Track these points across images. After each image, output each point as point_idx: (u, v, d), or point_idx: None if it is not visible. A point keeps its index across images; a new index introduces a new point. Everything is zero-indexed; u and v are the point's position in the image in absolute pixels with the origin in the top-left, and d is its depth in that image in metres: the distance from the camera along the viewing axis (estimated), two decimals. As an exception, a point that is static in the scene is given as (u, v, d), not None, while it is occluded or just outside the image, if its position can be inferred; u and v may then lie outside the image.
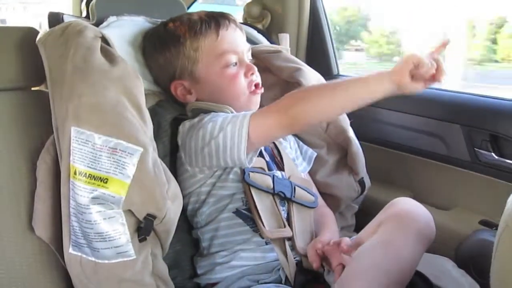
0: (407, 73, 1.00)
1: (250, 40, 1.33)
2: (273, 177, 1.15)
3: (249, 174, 1.12)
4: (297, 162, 1.31)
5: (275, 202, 1.13)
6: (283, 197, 1.15)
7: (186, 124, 1.15)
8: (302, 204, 1.18)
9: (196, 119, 1.14)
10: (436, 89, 1.46)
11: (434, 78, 1.01)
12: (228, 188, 1.14)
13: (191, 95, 1.21)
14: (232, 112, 1.16)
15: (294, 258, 1.10)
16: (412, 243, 0.94)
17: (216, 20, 1.20)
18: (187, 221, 1.19)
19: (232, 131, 1.05)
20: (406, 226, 0.96)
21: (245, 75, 1.20)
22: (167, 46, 1.19)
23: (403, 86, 1.01)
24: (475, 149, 1.32)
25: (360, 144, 1.36)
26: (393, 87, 1.01)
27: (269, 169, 1.19)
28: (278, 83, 1.34)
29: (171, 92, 1.22)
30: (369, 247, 0.95)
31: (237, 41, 1.22)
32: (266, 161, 1.20)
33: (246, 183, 1.11)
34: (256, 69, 1.22)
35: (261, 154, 1.20)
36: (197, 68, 1.18)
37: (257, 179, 1.13)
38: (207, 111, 1.16)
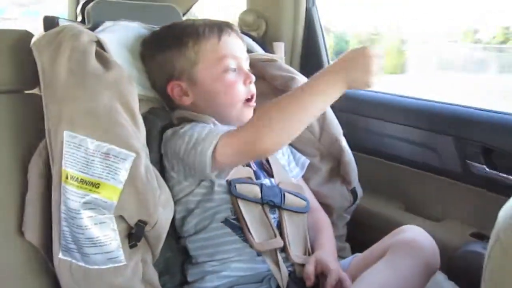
0: (373, 69, 0.98)
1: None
2: (261, 186, 1.15)
3: (235, 186, 1.11)
4: (290, 167, 1.31)
5: (265, 211, 1.13)
6: (273, 205, 1.14)
7: (169, 132, 1.15)
8: (293, 210, 1.17)
9: (178, 128, 1.13)
10: (429, 100, 1.46)
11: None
12: (215, 200, 1.13)
13: (187, 97, 1.20)
14: (214, 124, 1.15)
15: (287, 267, 1.09)
16: (419, 273, 0.96)
17: (219, 26, 1.20)
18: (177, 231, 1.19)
19: (200, 152, 1.03)
20: (414, 255, 0.98)
21: (244, 83, 1.20)
22: (169, 45, 1.19)
23: (358, 82, 0.99)
24: (467, 161, 1.32)
25: (353, 154, 1.37)
26: (347, 86, 0.99)
27: (257, 177, 1.18)
28: (272, 91, 1.34)
29: (167, 93, 1.21)
30: (376, 272, 0.96)
31: (237, 48, 1.22)
32: (254, 170, 1.19)
33: (233, 195, 1.11)
34: (254, 78, 1.22)
35: (248, 164, 1.19)
36: (196, 70, 1.18)
37: (244, 190, 1.12)
38: (191, 121, 1.16)
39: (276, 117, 1.00)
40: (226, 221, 1.12)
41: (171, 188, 1.12)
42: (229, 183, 1.11)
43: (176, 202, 1.13)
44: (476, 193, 1.33)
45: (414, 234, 1.04)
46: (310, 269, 1.06)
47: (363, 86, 1.01)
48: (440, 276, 1.13)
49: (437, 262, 1.01)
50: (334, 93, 1.01)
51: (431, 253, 1.01)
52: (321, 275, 1.07)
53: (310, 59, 1.77)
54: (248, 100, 1.20)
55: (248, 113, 1.21)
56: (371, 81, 0.99)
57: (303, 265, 1.10)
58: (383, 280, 0.93)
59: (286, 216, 1.15)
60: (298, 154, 1.36)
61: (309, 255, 1.14)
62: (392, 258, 0.98)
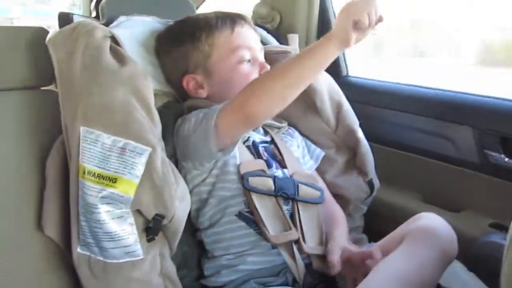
0: (351, 31, 0.97)
1: (260, 41, 1.33)
2: (274, 178, 1.14)
3: (248, 179, 1.11)
4: (304, 160, 1.31)
5: (278, 203, 1.12)
6: (286, 197, 1.14)
7: (179, 121, 1.15)
8: (307, 201, 1.17)
9: (186, 115, 1.14)
10: (446, 90, 1.45)
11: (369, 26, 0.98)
12: (228, 189, 1.12)
13: (202, 90, 1.21)
14: None
15: (303, 259, 1.09)
16: (435, 260, 0.95)
17: (232, 18, 1.21)
18: (193, 224, 1.19)
19: (205, 126, 1.05)
20: (431, 242, 0.97)
21: (259, 73, 1.20)
22: (183, 40, 1.20)
23: (345, 41, 0.98)
24: (485, 151, 1.31)
25: (370, 145, 1.36)
26: (340, 47, 0.99)
27: (269, 166, 1.18)
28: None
29: (183, 87, 1.22)
30: (392, 259, 0.95)
31: (251, 39, 1.22)
32: (265, 159, 1.19)
33: (246, 189, 1.11)
34: (269, 68, 1.22)
35: (259, 155, 1.19)
36: (211, 62, 1.18)
37: (257, 183, 1.11)
38: (200, 108, 1.15)
39: (266, 82, 1.02)
40: (240, 215, 1.11)
41: (183, 177, 1.13)
42: (242, 176, 1.11)
43: (190, 193, 1.13)
44: (495, 183, 1.31)
45: (431, 221, 1.03)
46: (335, 258, 1.06)
47: (345, 46, 1.00)
48: (458, 266, 1.12)
49: (454, 250, 1.00)
50: (326, 55, 1.00)
51: (448, 240, 0.99)
52: (345, 263, 1.06)
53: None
54: None
55: None
56: (352, 42, 0.98)
57: (319, 256, 1.11)
58: (399, 267, 0.93)
59: (300, 207, 1.15)
60: (313, 147, 1.35)
61: (325, 246, 1.14)
62: (408, 246, 0.97)
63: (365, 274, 0.98)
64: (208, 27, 1.19)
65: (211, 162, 1.11)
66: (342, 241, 1.14)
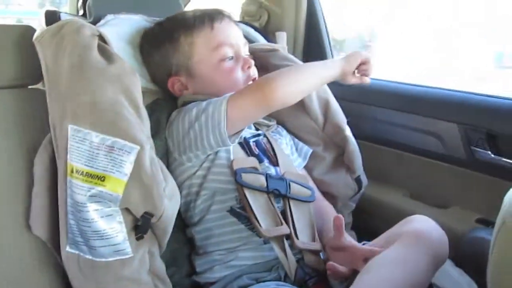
0: (354, 66, 1.21)
1: (247, 39, 1.33)
2: (267, 175, 1.15)
3: (241, 175, 1.11)
4: (293, 157, 1.31)
5: (270, 200, 1.13)
6: (278, 194, 1.15)
7: (174, 114, 1.16)
8: (299, 199, 1.17)
9: (183, 108, 1.15)
10: (432, 87, 1.46)
11: (362, 79, 1.25)
12: (220, 181, 1.13)
13: (187, 90, 1.21)
14: None
15: (295, 255, 1.10)
16: (427, 263, 0.94)
17: (210, 14, 1.21)
18: (183, 219, 1.19)
19: (212, 111, 1.08)
20: (423, 245, 0.96)
21: (242, 68, 1.21)
22: (162, 43, 1.20)
23: (346, 74, 1.21)
24: (472, 147, 1.32)
25: (357, 142, 1.37)
26: (340, 74, 1.20)
27: (260, 160, 1.19)
28: None
29: (169, 89, 1.22)
30: (383, 261, 0.95)
31: (232, 35, 1.23)
32: (256, 154, 1.20)
33: (239, 184, 1.11)
34: (253, 62, 1.23)
35: (250, 151, 1.20)
36: (192, 62, 1.19)
37: (250, 179, 1.12)
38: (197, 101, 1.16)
39: (286, 72, 1.12)
40: (231, 210, 1.12)
41: (173, 171, 1.14)
42: (235, 172, 1.12)
43: (180, 186, 1.13)
44: (481, 179, 1.33)
45: (423, 225, 1.02)
46: (351, 240, 1.08)
47: (344, 79, 1.22)
48: (447, 263, 1.13)
49: (445, 253, 1.00)
50: (332, 73, 1.19)
51: (439, 244, 0.99)
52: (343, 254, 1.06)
53: (312, 48, 1.77)
54: (251, 83, 1.21)
55: None
56: (348, 77, 1.22)
57: (311, 252, 1.11)
58: (389, 270, 0.93)
59: (292, 205, 1.15)
60: (301, 144, 1.36)
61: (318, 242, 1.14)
62: (400, 249, 0.97)
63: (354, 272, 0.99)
64: (186, 26, 1.19)
65: (213, 149, 1.13)
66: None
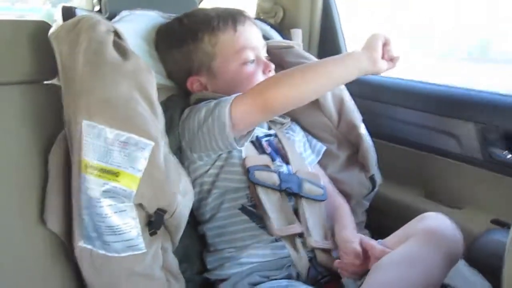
0: (379, 48, 1.09)
1: (263, 36, 1.32)
2: (279, 173, 1.15)
3: (254, 173, 1.11)
4: (305, 154, 1.31)
5: (283, 198, 1.13)
6: (291, 192, 1.14)
7: (186, 111, 1.16)
8: (311, 198, 1.17)
9: (194, 106, 1.15)
10: (449, 86, 1.44)
11: (392, 60, 1.12)
12: (232, 180, 1.13)
13: (207, 91, 1.21)
14: None
15: (307, 254, 1.09)
16: (440, 261, 0.94)
17: (233, 16, 1.20)
18: (195, 216, 1.20)
19: (218, 114, 1.07)
20: (436, 243, 0.96)
21: (263, 72, 1.20)
22: (185, 41, 1.19)
23: (376, 61, 1.08)
24: (488, 147, 1.30)
25: (372, 140, 1.36)
26: (369, 64, 1.08)
27: (273, 159, 1.19)
28: None
29: (187, 87, 1.22)
30: (396, 259, 0.95)
31: (254, 37, 1.22)
32: (268, 153, 1.20)
33: (251, 182, 1.11)
34: (273, 66, 1.22)
35: (262, 149, 1.19)
36: (215, 63, 1.19)
37: (262, 177, 1.12)
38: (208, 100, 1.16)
39: (288, 75, 1.07)
40: (243, 208, 1.12)
41: (186, 168, 1.14)
42: (247, 170, 1.12)
43: (191, 184, 1.13)
44: (498, 180, 1.31)
45: (437, 222, 1.02)
46: (357, 248, 1.06)
47: (378, 68, 1.10)
48: (460, 263, 1.12)
49: (460, 251, 0.99)
50: (355, 66, 1.09)
51: (454, 242, 0.98)
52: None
53: (327, 45, 1.76)
54: None
55: None
56: (379, 62, 1.09)
57: (324, 250, 1.11)
58: (403, 267, 0.93)
59: (304, 203, 1.15)
60: (314, 141, 1.36)
61: (331, 241, 1.14)
62: (413, 246, 0.96)
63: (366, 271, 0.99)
64: (211, 27, 1.18)
65: (223, 151, 1.12)
66: (349, 229, 1.16)
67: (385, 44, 1.10)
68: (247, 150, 1.16)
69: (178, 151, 1.16)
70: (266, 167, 1.15)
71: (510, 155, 1.26)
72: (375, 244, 1.05)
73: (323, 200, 1.20)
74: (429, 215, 1.05)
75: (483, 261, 1.15)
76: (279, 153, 1.22)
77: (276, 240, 1.10)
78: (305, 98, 1.10)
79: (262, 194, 1.11)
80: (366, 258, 1.05)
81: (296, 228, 1.10)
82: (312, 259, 1.10)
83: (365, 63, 1.08)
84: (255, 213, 1.11)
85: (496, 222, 1.27)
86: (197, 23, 1.20)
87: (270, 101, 1.04)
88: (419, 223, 1.03)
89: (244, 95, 1.08)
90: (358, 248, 1.06)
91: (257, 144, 1.20)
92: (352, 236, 1.11)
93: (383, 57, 1.10)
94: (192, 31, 1.19)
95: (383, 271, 0.93)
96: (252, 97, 1.07)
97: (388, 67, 1.12)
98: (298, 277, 1.07)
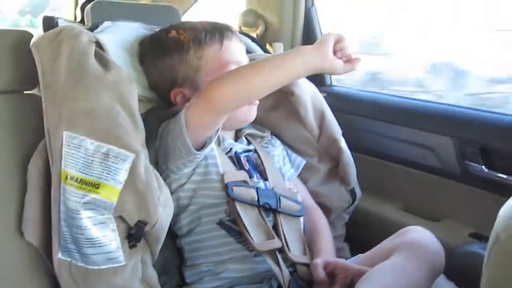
0: (329, 43, 1.04)
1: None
2: (257, 189, 1.14)
3: (232, 188, 1.11)
4: (285, 169, 1.31)
5: (261, 214, 1.12)
6: (269, 208, 1.14)
7: (163, 124, 1.15)
8: (289, 214, 1.17)
9: (171, 119, 1.14)
10: (428, 101, 1.47)
11: (350, 62, 1.08)
12: (210, 196, 1.12)
13: (190, 103, 1.21)
14: None
15: (287, 268, 1.09)
16: (424, 273, 0.95)
17: (220, 31, 1.20)
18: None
19: (177, 118, 1.07)
20: (420, 256, 0.97)
21: None
22: (170, 52, 1.19)
23: (326, 57, 1.04)
24: (466, 161, 1.32)
25: (352, 154, 1.37)
26: (318, 59, 1.04)
27: (250, 176, 1.18)
28: (272, 92, 1.34)
29: (170, 99, 1.22)
30: (381, 271, 0.95)
31: (239, 52, 1.22)
32: (247, 170, 1.19)
33: (230, 198, 1.10)
34: None
35: (241, 165, 1.20)
36: (199, 76, 1.18)
37: (241, 193, 1.12)
38: None
39: (233, 73, 1.05)
40: (220, 223, 1.11)
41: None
42: (226, 185, 1.11)
43: None
44: (475, 194, 1.33)
45: (420, 235, 1.03)
46: (321, 272, 1.05)
47: (330, 66, 1.05)
48: (439, 276, 1.13)
49: (442, 264, 1.01)
50: (302, 62, 1.04)
51: (436, 255, 1.00)
52: (329, 275, 1.06)
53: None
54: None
55: (253, 113, 1.24)
56: (331, 59, 1.05)
57: (304, 265, 1.11)
58: (388, 280, 0.93)
59: (282, 219, 1.15)
60: (294, 155, 1.36)
61: (309, 255, 1.14)
62: (397, 259, 0.97)
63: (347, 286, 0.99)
64: (197, 41, 1.18)
65: (191, 162, 1.11)
66: (328, 250, 1.17)
67: (337, 42, 1.06)
68: (226, 166, 1.16)
69: (155, 164, 1.15)
70: (244, 183, 1.15)
71: (487, 170, 1.28)
72: (346, 264, 1.06)
73: (301, 216, 1.20)
74: (411, 228, 1.06)
75: (461, 274, 1.16)
76: (258, 169, 1.22)
77: (255, 256, 1.10)
78: (252, 95, 1.08)
79: (241, 210, 1.10)
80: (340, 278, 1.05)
81: (276, 243, 1.09)
82: (292, 273, 1.09)
83: (313, 58, 1.04)
84: (233, 228, 1.10)
85: (474, 235, 1.28)
86: (184, 35, 1.20)
87: (215, 102, 1.03)
88: (403, 236, 1.04)
89: (195, 98, 1.08)
90: (319, 274, 1.05)
91: (235, 160, 1.20)
92: (320, 260, 1.10)
93: (335, 55, 1.06)
94: (178, 43, 1.19)
95: (371, 282, 0.93)
96: (200, 99, 1.05)
97: (346, 68, 1.07)
98: (278, 290, 1.07)
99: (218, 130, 1.09)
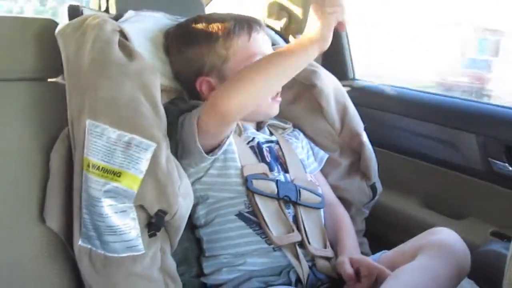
0: (331, 31, 1.01)
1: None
2: (277, 181, 1.14)
3: (252, 181, 1.11)
4: (308, 162, 1.31)
5: (281, 206, 1.12)
6: (289, 200, 1.14)
7: (181, 117, 1.15)
8: (309, 206, 1.17)
9: (188, 113, 1.13)
10: (453, 97, 1.45)
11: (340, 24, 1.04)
12: (229, 190, 1.12)
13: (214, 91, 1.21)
14: None
15: (306, 261, 1.09)
16: (451, 274, 0.95)
17: (249, 23, 1.20)
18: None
19: (189, 126, 1.05)
20: (447, 257, 0.97)
21: None
22: (198, 41, 1.18)
23: (325, 41, 1.01)
24: (489, 159, 1.31)
25: (374, 149, 1.36)
26: (316, 47, 1.02)
27: (271, 169, 1.18)
28: (294, 85, 1.33)
29: (195, 87, 1.21)
30: (409, 269, 0.96)
31: (266, 45, 1.22)
32: (268, 162, 1.19)
33: (249, 191, 1.10)
34: None
35: (262, 156, 1.19)
36: (226, 66, 1.18)
37: (260, 186, 1.11)
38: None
39: (237, 80, 1.02)
40: (239, 215, 1.11)
41: None
42: (246, 178, 1.11)
43: None
44: (498, 192, 1.31)
45: (448, 237, 1.03)
46: (349, 268, 1.05)
47: (323, 46, 1.02)
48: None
49: (468, 265, 1.01)
50: (304, 58, 1.04)
51: (462, 256, 1.00)
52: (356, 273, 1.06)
53: (331, 52, 1.75)
54: (275, 96, 1.21)
55: (276, 108, 1.23)
56: (328, 40, 1.02)
57: (323, 258, 1.11)
58: (416, 280, 0.93)
59: (302, 211, 1.15)
60: (317, 149, 1.36)
61: (330, 249, 1.14)
62: (425, 259, 0.97)
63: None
64: (226, 30, 1.18)
65: (205, 162, 1.11)
66: (352, 245, 1.17)
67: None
68: (246, 157, 1.16)
69: (176, 155, 1.16)
70: (264, 176, 1.15)
71: (511, 168, 1.26)
72: (369, 263, 1.06)
73: (321, 208, 1.20)
74: (437, 229, 1.07)
75: (482, 272, 1.15)
76: (279, 160, 1.22)
77: (274, 250, 1.10)
78: (258, 97, 1.06)
79: (260, 202, 1.10)
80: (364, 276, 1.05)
81: (295, 236, 1.09)
82: (311, 267, 1.09)
83: (313, 48, 1.02)
84: (252, 220, 1.10)
85: (496, 234, 1.27)
86: (213, 25, 1.20)
87: (224, 112, 1.01)
88: (430, 237, 1.04)
89: (204, 107, 1.05)
90: (348, 271, 1.05)
91: (257, 150, 1.19)
92: (346, 258, 1.10)
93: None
94: (207, 32, 1.19)
95: (398, 279, 0.94)
96: (209, 109, 1.03)
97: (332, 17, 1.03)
98: (296, 283, 1.07)
99: (231, 132, 1.09)
